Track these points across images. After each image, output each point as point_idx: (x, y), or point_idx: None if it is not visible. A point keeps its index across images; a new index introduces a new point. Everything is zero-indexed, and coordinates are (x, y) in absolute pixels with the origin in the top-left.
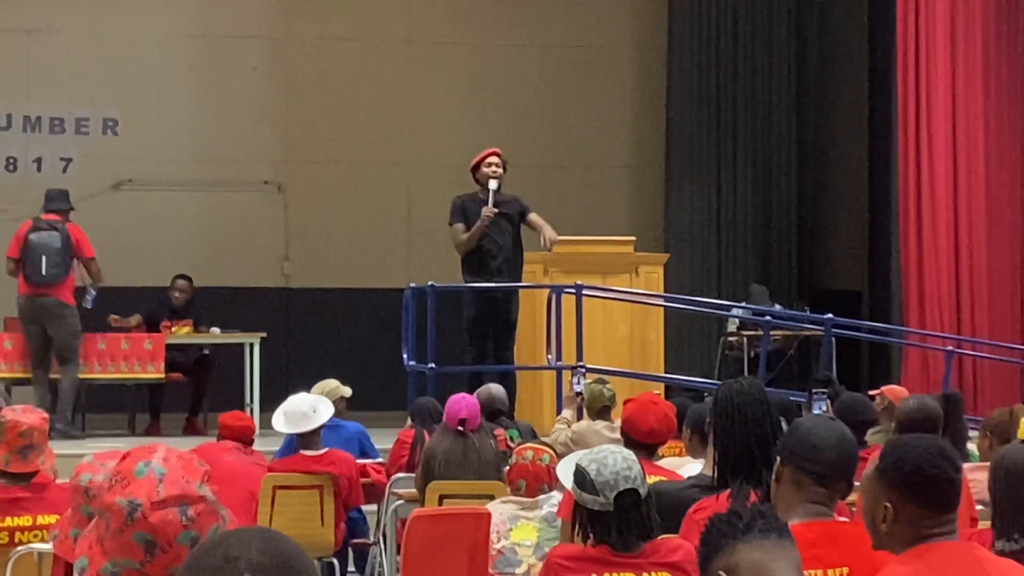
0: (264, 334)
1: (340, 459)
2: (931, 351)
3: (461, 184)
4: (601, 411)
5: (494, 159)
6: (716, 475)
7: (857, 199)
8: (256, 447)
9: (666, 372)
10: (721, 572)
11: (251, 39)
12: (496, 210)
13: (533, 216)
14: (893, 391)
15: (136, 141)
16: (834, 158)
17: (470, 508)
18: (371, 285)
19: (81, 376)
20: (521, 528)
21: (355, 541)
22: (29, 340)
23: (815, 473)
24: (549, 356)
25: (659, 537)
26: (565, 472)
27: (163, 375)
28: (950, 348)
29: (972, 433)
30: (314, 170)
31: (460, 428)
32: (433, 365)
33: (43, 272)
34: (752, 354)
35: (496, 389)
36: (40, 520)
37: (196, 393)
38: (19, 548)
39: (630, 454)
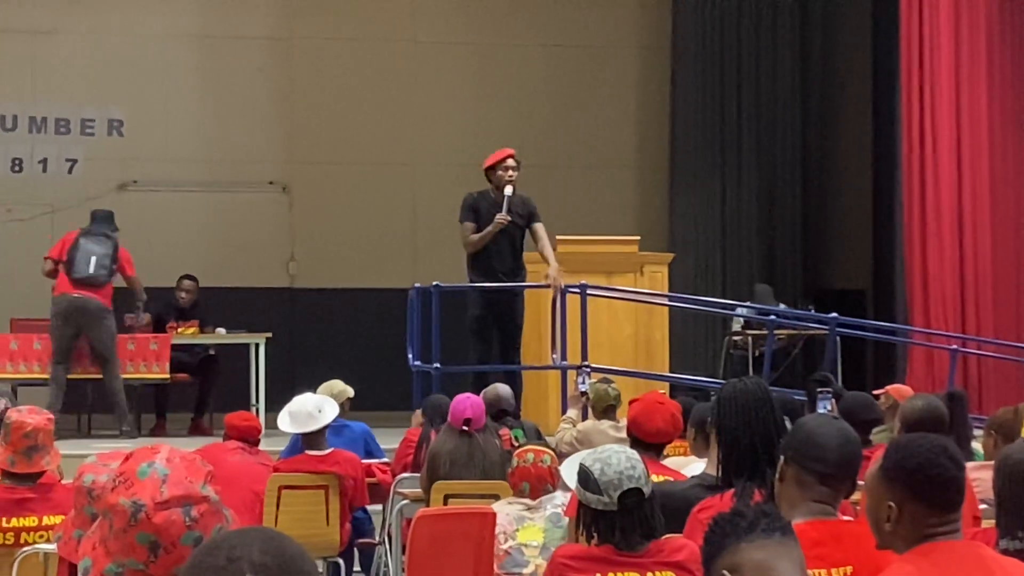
0: (269, 334)
1: (345, 459)
2: (936, 350)
3: (466, 184)
4: (606, 410)
5: (511, 162)
6: (720, 474)
7: (861, 198)
8: (262, 447)
9: (671, 372)
10: (725, 571)
11: (256, 40)
12: (509, 219)
13: (539, 229)
14: (898, 390)
15: (141, 142)
16: (838, 157)
17: (475, 508)
18: (376, 285)
19: (86, 376)
20: (527, 529)
21: (360, 541)
22: (59, 338)
23: (819, 472)
24: (554, 356)
25: (663, 536)
26: (569, 472)
27: (168, 375)
28: (955, 347)
29: (977, 432)
30: (319, 170)
31: (465, 428)
32: (438, 365)
33: (90, 270)
34: (757, 353)
35: (503, 389)
36: (46, 521)
37: (202, 393)
38: (25, 549)
39: (634, 453)
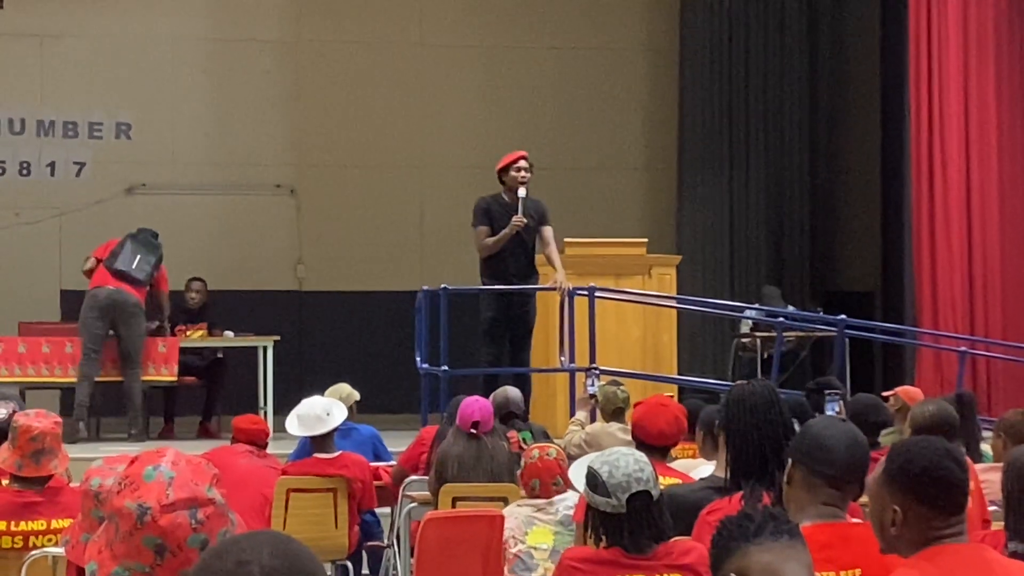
0: (278, 337)
1: (354, 462)
2: (944, 352)
3: (474, 186)
4: (615, 413)
5: (524, 163)
6: (728, 477)
7: (870, 200)
8: (270, 450)
9: (679, 374)
10: (733, 574)
11: (264, 42)
12: (525, 221)
13: (547, 232)
14: (907, 392)
15: (149, 145)
16: (847, 159)
17: (483, 510)
18: (384, 288)
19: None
20: (537, 531)
21: (369, 544)
22: (92, 330)
23: (826, 475)
24: (562, 358)
25: (672, 539)
26: (577, 474)
27: (176, 378)
28: (963, 349)
29: (986, 433)
30: (327, 173)
31: (473, 431)
32: (446, 368)
33: (132, 266)
34: (765, 355)
35: (513, 392)
36: (54, 524)
37: (210, 396)
38: (33, 552)
39: (642, 456)
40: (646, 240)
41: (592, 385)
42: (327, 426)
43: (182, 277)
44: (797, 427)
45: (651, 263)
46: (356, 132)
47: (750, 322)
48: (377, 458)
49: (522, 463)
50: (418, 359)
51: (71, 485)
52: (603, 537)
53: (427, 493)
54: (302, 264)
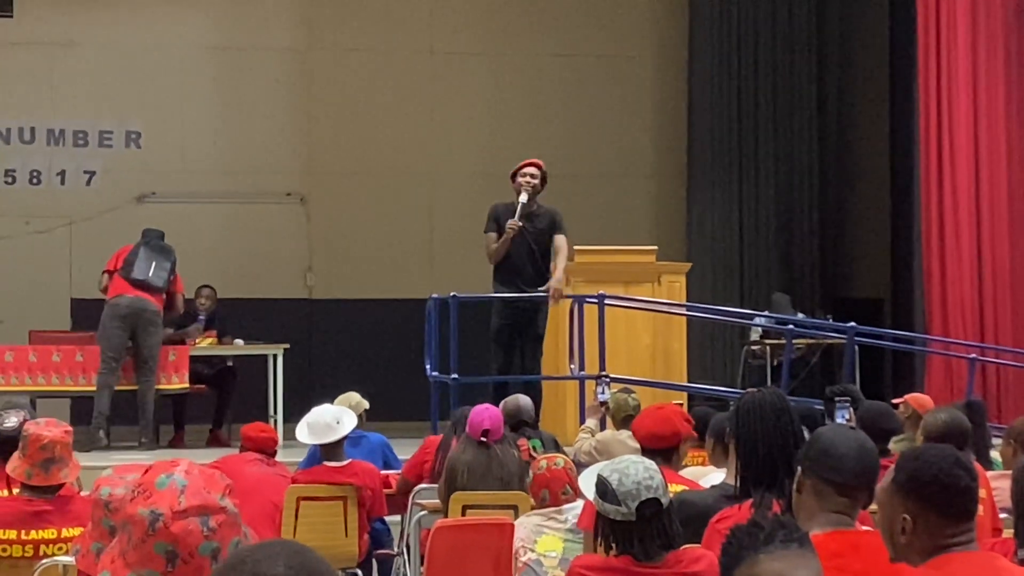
0: (287, 345)
1: (363, 470)
2: (954, 359)
3: (484, 194)
4: (625, 420)
5: (530, 170)
6: (739, 485)
7: (879, 207)
8: (279, 458)
9: (689, 381)
10: None
11: (273, 51)
12: (520, 224)
13: (557, 240)
14: (917, 399)
15: (159, 153)
16: (856, 166)
17: (493, 518)
18: (394, 296)
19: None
20: (546, 539)
21: (379, 552)
22: (113, 339)
23: (836, 482)
24: (572, 366)
25: (682, 547)
26: (587, 482)
27: (187, 386)
28: (973, 356)
29: (995, 441)
30: (337, 181)
31: (483, 439)
32: (456, 376)
33: (149, 274)
34: (775, 363)
35: (523, 400)
36: (64, 533)
37: (220, 404)
38: (44, 561)
39: (652, 464)
40: (656, 248)
41: (603, 393)
42: (337, 434)
43: (192, 286)
44: (807, 435)
45: (661, 271)
46: (365, 140)
47: (760, 329)
48: (387, 466)
49: (530, 475)
50: (428, 367)
51: (82, 494)
52: (613, 545)
53: (437, 501)
54: (312, 272)
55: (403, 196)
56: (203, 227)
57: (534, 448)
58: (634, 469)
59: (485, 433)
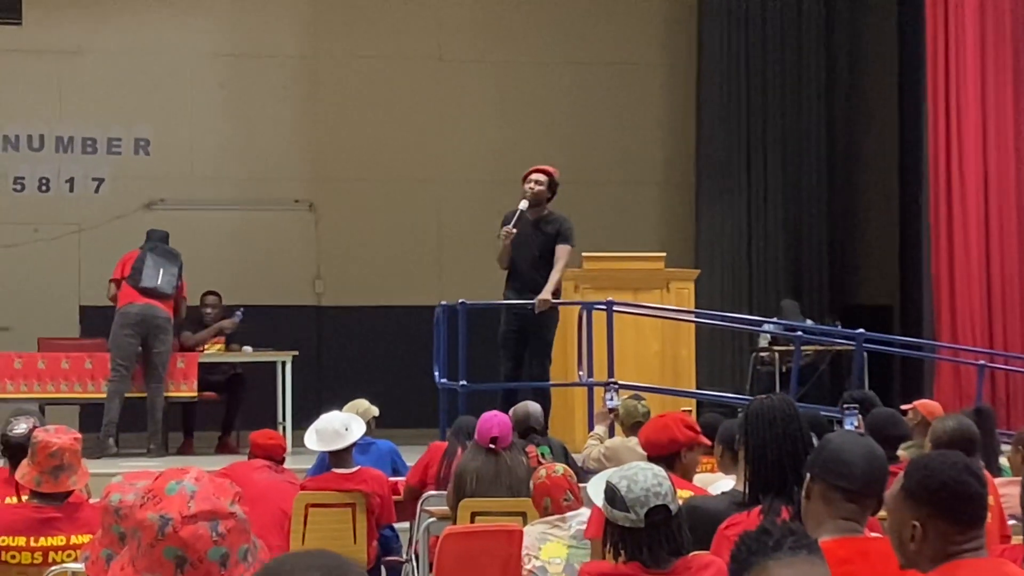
0: (296, 352)
1: (372, 477)
2: (963, 365)
3: (492, 201)
4: (634, 427)
5: (535, 176)
6: (747, 491)
7: (888, 213)
8: (288, 465)
9: (698, 388)
10: None
11: (281, 58)
12: (515, 231)
13: (557, 250)
14: (926, 406)
15: (167, 160)
16: (864, 173)
17: (502, 525)
18: (402, 303)
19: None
20: (550, 546)
21: (388, 559)
22: (125, 347)
23: (845, 489)
24: (580, 373)
25: (690, 553)
26: (596, 489)
27: (196, 393)
28: (982, 362)
29: (1004, 447)
30: (345, 188)
31: (492, 446)
32: (464, 382)
33: (158, 281)
34: (784, 369)
35: (533, 407)
36: (73, 540)
37: (229, 412)
38: (53, 568)
39: (660, 471)
40: (664, 254)
41: (612, 399)
42: (346, 441)
43: (200, 292)
44: (816, 441)
45: (669, 277)
46: (374, 147)
47: (769, 336)
48: (396, 473)
49: (531, 485)
50: (436, 374)
51: (90, 501)
52: (622, 552)
53: (446, 508)
54: (320, 279)
55: (412, 203)
56: (211, 234)
57: (543, 455)
58: (643, 476)
59: (494, 440)
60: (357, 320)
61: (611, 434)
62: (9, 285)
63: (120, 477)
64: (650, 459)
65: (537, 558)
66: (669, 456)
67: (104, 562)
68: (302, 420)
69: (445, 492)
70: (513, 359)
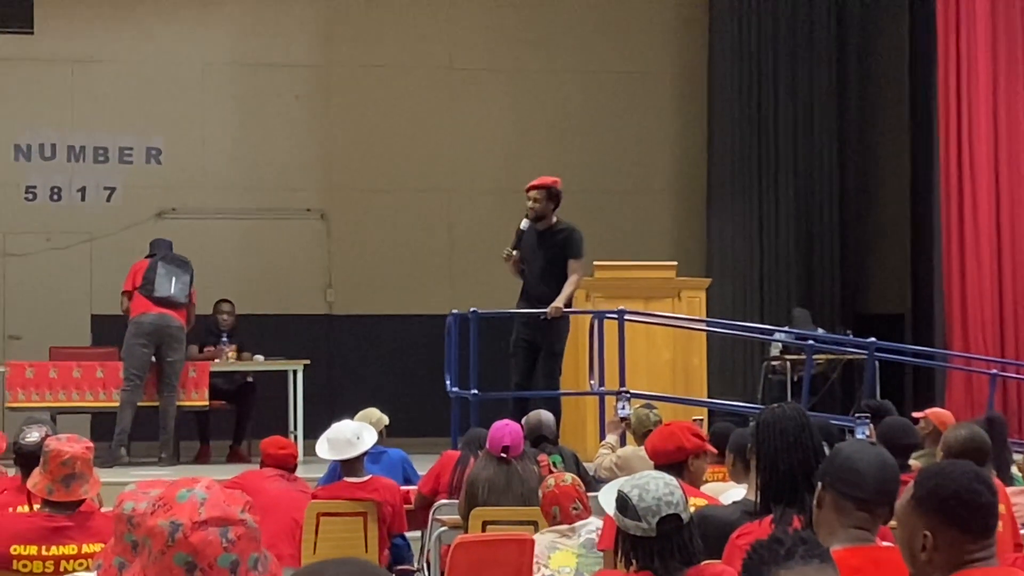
0: (307, 361)
1: (384, 486)
2: (975, 374)
3: (504, 210)
4: (646, 436)
5: (532, 194)
6: (759, 500)
7: (899, 222)
8: (299, 474)
9: (709, 397)
10: None
11: (293, 67)
12: (515, 253)
13: (569, 266)
14: (938, 415)
15: (179, 170)
16: (876, 182)
17: (513, 534)
18: (414, 312)
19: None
20: (560, 555)
21: (399, 568)
22: (139, 357)
23: (856, 498)
24: (592, 382)
25: (702, 562)
26: (607, 498)
27: (206, 403)
28: (994, 371)
29: (1016, 456)
30: (356, 197)
31: (503, 455)
32: (476, 391)
33: (171, 291)
34: (795, 378)
35: (545, 416)
36: (85, 549)
37: (240, 420)
38: None
39: (672, 480)
40: (675, 263)
41: (623, 408)
42: (357, 450)
43: (211, 300)
44: (827, 450)
45: (681, 286)
46: (385, 156)
47: (780, 345)
48: (407, 482)
49: (540, 494)
50: (448, 382)
51: (102, 510)
52: (633, 561)
53: (457, 517)
54: (332, 288)
55: (423, 212)
56: (223, 243)
57: (554, 464)
58: (654, 485)
59: (505, 449)
60: (368, 329)
61: (623, 443)
62: (21, 294)
63: (133, 486)
64: (657, 467)
65: (547, 567)
66: (676, 464)
67: (116, 571)
68: (313, 429)
69: (457, 501)
70: (523, 369)
